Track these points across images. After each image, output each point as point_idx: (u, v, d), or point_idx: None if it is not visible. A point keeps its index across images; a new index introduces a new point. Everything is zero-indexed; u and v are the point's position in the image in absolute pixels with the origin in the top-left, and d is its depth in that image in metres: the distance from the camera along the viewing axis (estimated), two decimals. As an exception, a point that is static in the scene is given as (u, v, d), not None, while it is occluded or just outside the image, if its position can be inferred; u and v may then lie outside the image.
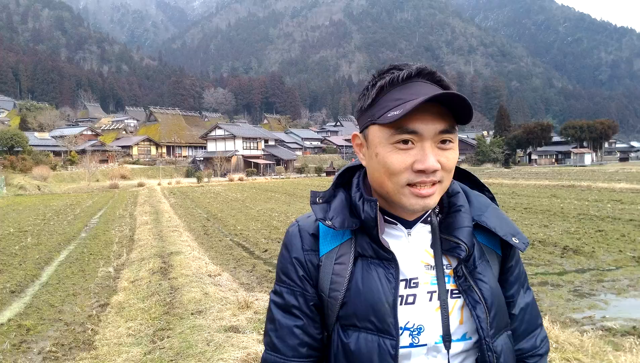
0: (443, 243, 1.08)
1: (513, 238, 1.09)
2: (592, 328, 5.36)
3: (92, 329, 5.77)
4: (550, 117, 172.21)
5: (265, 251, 10.78)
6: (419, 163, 0.98)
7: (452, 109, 1.00)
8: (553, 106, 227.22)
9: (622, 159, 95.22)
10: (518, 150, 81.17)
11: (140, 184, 42.65)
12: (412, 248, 1.09)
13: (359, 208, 1.09)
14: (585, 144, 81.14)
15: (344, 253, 1.10)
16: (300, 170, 64.35)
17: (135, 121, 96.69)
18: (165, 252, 9.82)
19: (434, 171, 0.99)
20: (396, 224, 1.10)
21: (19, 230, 14.92)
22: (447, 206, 1.12)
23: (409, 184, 1.00)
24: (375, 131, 1.03)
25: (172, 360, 4.37)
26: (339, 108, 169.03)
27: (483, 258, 1.10)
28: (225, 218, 17.20)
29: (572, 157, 76.62)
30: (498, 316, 1.07)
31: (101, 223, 16.84)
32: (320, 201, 1.16)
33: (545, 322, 4.57)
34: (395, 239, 1.09)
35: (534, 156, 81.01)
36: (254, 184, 43.01)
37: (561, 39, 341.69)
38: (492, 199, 1.21)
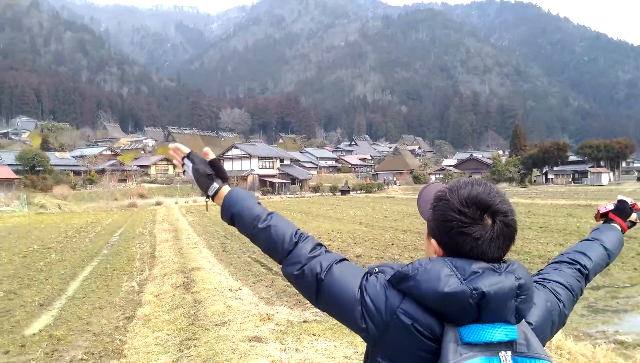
0: None
1: None
2: (604, 342, 5.47)
3: (120, 339, 6.02)
4: (567, 137, 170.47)
5: (283, 267, 10.95)
6: None
7: None
8: (569, 125, 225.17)
9: (639, 179, 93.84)
10: (534, 169, 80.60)
11: (158, 203, 43.25)
12: None
13: None
14: (602, 163, 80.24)
15: None
16: (315, 189, 64.60)
17: (154, 141, 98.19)
18: (186, 268, 10.09)
19: None
20: None
21: (43, 246, 15.35)
22: None
23: None
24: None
25: (199, 367, 4.59)
26: (354, 128, 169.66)
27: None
28: (242, 235, 17.40)
29: (589, 176, 75.67)
30: None
31: (122, 240, 17.22)
32: None
33: (558, 335, 4.71)
34: None
35: (550, 176, 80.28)
36: (270, 203, 43.30)
37: (577, 58, 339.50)
38: None
